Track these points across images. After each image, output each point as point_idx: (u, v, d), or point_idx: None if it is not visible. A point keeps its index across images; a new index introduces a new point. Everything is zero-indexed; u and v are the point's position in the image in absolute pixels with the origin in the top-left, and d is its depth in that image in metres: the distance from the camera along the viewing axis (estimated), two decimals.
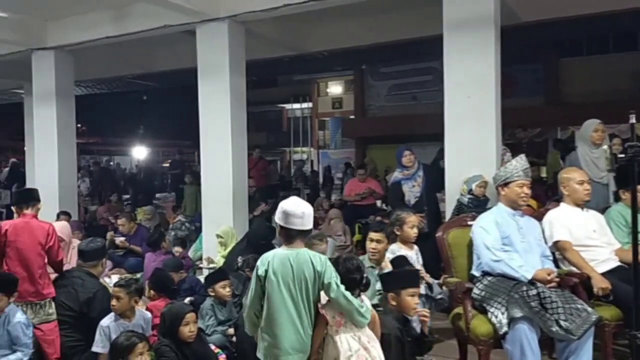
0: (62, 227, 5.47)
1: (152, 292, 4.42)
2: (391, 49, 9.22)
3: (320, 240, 4.36)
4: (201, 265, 6.33)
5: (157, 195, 14.72)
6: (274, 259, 2.83)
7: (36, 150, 8.31)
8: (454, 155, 5.46)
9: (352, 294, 2.81)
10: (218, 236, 6.01)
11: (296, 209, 2.86)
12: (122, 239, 6.98)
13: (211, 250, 6.35)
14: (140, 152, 27.83)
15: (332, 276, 2.79)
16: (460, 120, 5.43)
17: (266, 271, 2.82)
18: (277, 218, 2.93)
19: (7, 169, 15.54)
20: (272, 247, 3.42)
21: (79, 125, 9.87)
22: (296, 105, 24.58)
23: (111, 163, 22.78)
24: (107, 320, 3.74)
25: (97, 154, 26.77)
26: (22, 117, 11.75)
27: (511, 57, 7.71)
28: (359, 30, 8.00)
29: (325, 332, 2.85)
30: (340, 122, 20.83)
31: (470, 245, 3.87)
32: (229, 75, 6.58)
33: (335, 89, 21.74)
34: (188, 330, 3.46)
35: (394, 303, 3.07)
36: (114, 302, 3.74)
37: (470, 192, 5.16)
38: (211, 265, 5.98)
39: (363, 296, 2.96)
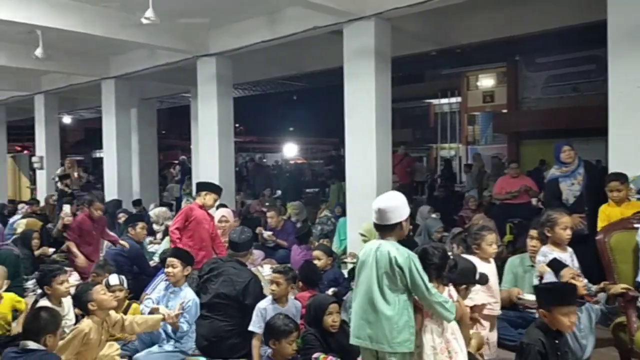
0: (228, 212, 6.52)
1: (300, 283, 4.65)
2: (548, 37, 8.62)
3: (489, 230, 4.08)
4: (345, 260, 6.48)
5: (307, 190, 15.33)
6: (364, 249, 3.06)
7: (200, 148, 9.12)
8: (620, 152, 4.96)
9: (439, 280, 2.93)
10: (361, 234, 6.09)
11: (375, 205, 3.00)
12: (270, 233, 7.44)
13: (355, 245, 6.46)
14: (290, 150, 29.21)
15: (414, 275, 2.83)
16: (628, 112, 4.91)
17: (358, 259, 3.10)
18: None
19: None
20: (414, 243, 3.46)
21: (236, 125, 10.63)
22: (444, 100, 23.98)
23: (264, 160, 24.16)
24: (264, 303, 4.03)
25: (252, 152, 28.60)
26: (189, 118, 12.97)
27: None
28: (510, 20, 7.60)
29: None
30: (491, 117, 19.95)
31: (635, 249, 3.52)
32: (374, 72, 6.63)
33: (486, 82, 20.86)
34: (331, 320, 3.59)
35: (545, 320, 2.87)
36: (273, 287, 4.02)
37: (639, 192, 4.66)
38: (355, 260, 6.09)
39: (450, 288, 3.01)
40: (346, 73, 6.93)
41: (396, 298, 2.86)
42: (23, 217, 9.03)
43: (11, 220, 9.34)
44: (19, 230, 7.83)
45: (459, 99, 22.44)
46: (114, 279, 4.57)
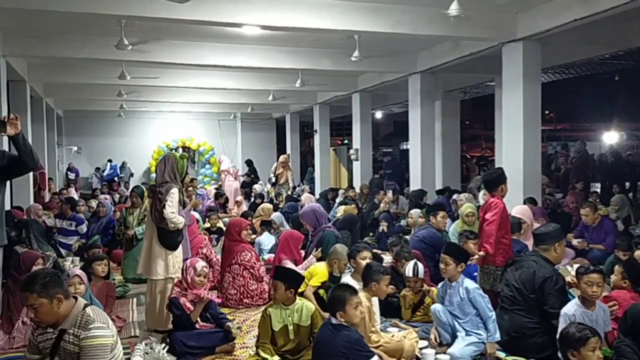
0: (523, 210, 6.21)
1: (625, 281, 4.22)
2: None
3: None
4: None
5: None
6: None
7: (504, 137, 8.83)
8: None
9: None
10: None
11: None
12: (580, 240, 6.92)
13: None
14: (610, 138, 25.84)
15: None
16: None
17: None
18: None
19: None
20: None
21: (546, 112, 9.98)
22: None
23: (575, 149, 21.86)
24: (571, 308, 3.79)
25: (565, 140, 26.35)
26: (493, 108, 12.69)
27: None
28: None
29: None
30: None
31: None
32: None
33: None
34: None
35: None
36: (594, 288, 3.75)
37: None
38: None
39: None
40: None
41: None
42: (341, 204, 10.24)
43: None
44: (339, 214, 8.91)
45: None
46: (408, 270, 4.87)
